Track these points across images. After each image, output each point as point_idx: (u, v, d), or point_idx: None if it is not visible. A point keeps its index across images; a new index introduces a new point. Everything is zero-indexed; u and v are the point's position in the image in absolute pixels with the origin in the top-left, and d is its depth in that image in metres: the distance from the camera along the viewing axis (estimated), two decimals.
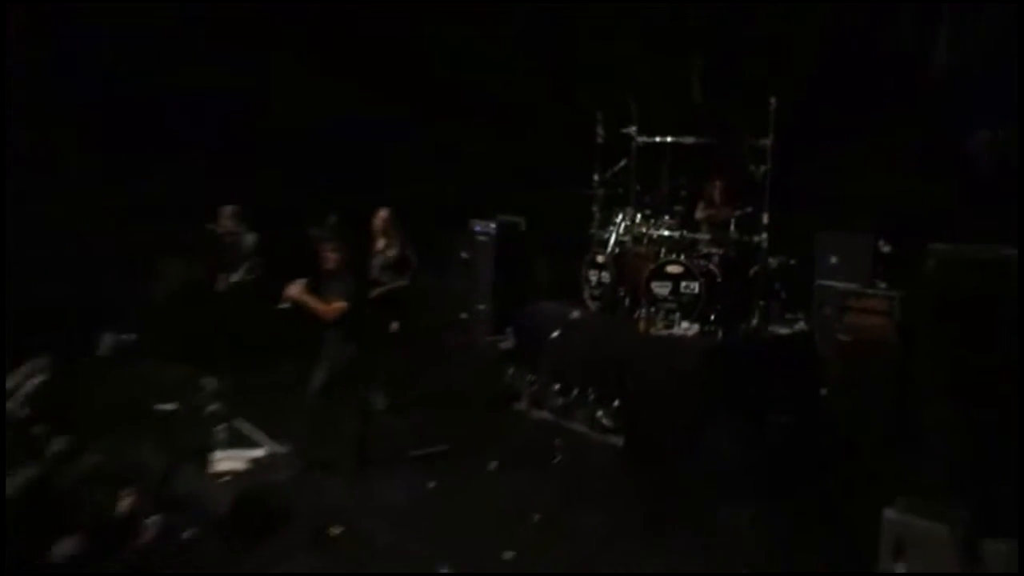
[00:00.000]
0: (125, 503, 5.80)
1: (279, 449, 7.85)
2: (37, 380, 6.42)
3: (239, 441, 7.94)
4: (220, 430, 7.89)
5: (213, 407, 8.54)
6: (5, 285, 7.46)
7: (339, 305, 7.15)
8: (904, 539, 5.09)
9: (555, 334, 8.76)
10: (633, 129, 8.94)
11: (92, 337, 9.68)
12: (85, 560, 5.36)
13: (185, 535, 6.32)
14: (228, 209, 9.50)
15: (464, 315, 10.48)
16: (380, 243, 7.79)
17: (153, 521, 5.83)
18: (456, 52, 10.72)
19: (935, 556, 5.07)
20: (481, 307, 10.23)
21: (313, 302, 7.14)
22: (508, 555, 6.04)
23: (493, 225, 10.22)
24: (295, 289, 7.12)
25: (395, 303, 8.00)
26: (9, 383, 6.41)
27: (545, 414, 8.75)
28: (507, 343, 9.52)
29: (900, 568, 5.01)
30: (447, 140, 10.32)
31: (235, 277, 9.44)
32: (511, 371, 9.15)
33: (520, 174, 10.11)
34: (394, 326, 7.71)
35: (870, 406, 7.32)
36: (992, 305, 5.38)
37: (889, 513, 5.14)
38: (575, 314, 8.98)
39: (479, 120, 10.40)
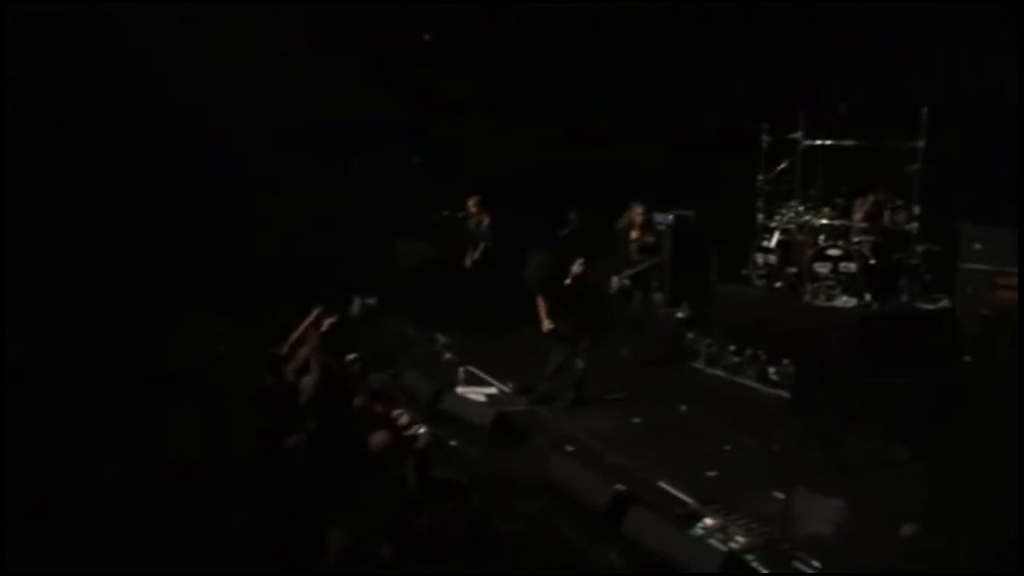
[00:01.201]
0: (403, 417, 6.43)
1: (505, 388, 8.54)
2: (330, 320, 7.02)
3: (474, 381, 8.70)
4: (460, 371, 8.65)
5: (447, 356, 9.39)
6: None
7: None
8: None
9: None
10: (799, 134, 9.22)
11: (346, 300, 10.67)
12: (390, 453, 6.04)
13: (451, 443, 7.13)
14: (473, 199, 10.35)
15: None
16: (634, 233, 8.34)
17: (424, 431, 6.39)
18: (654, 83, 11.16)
19: None
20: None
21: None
22: (712, 473, 6.50)
23: (671, 217, 10.64)
24: (578, 266, 7.82)
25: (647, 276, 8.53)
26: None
27: (718, 371, 9.18)
28: (683, 313, 9.95)
29: None
30: (639, 150, 10.80)
31: (475, 255, 10.22)
32: (690, 335, 9.58)
33: (697, 175, 10.48)
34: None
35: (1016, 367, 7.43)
36: None
37: None
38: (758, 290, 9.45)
39: (663, 133, 10.84)
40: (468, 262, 10.38)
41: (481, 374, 8.91)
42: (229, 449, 5.72)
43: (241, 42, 10.30)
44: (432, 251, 10.71)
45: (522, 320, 8.66)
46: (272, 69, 10.58)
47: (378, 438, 5.95)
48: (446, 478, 6.19)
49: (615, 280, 9.12)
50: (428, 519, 5.57)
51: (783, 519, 5.65)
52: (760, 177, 9.77)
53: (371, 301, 10.92)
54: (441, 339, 9.83)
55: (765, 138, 9.61)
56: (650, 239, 8.25)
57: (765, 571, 5.03)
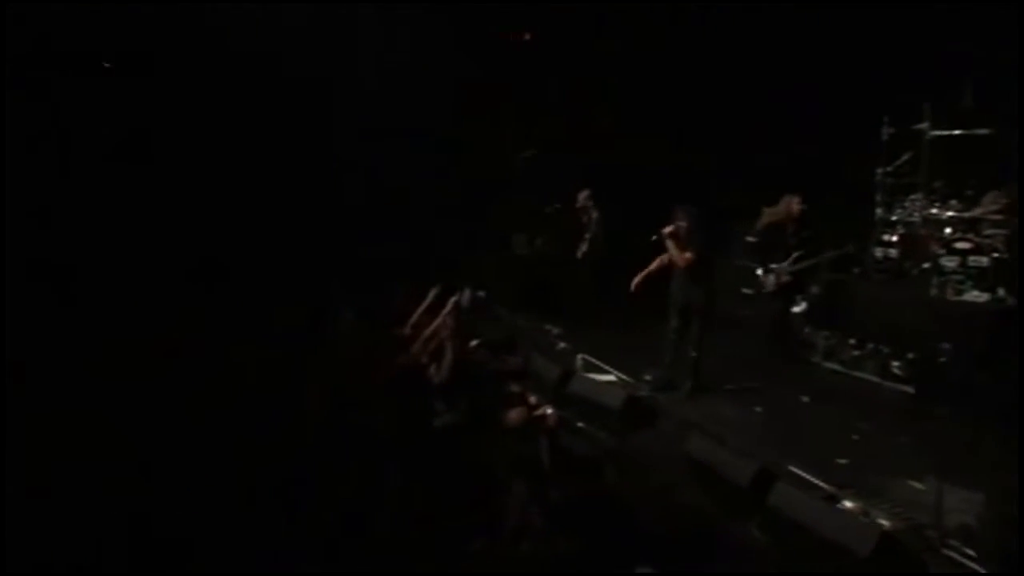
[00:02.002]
0: (531, 398, 6.55)
1: (622, 375, 8.53)
2: (452, 300, 7.17)
3: (592, 368, 8.69)
4: (578, 359, 8.68)
5: (562, 345, 9.44)
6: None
7: (688, 255, 7.71)
8: None
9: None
10: (925, 124, 8.97)
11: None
12: (526, 430, 6.08)
13: (579, 424, 7.18)
14: (584, 192, 10.42)
15: (748, 290, 10.60)
16: (791, 227, 8.26)
17: (552, 412, 6.40)
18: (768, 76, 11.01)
19: None
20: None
21: (672, 245, 7.76)
22: (842, 461, 6.37)
23: None
24: (667, 230, 7.72)
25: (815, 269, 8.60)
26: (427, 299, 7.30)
27: (836, 365, 8.92)
28: (799, 308, 9.74)
29: None
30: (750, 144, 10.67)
31: (584, 248, 10.26)
32: (807, 329, 9.39)
33: (812, 169, 10.26)
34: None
35: None
36: None
37: None
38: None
39: (779, 124, 10.69)
40: (579, 254, 10.42)
41: (598, 362, 8.92)
42: (374, 429, 5.91)
43: (368, 34, 10.59)
44: (543, 243, 10.77)
45: (632, 311, 8.64)
46: (392, 62, 10.83)
47: (515, 414, 6.13)
48: (580, 455, 6.26)
49: (771, 279, 8.92)
50: (566, 494, 5.65)
51: (929, 507, 5.46)
52: (880, 170, 9.54)
53: (481, 294, 11.02)
54: (553, 329, 9.88)
55: (886, 130, 9.38)
56: (808, 233, 8.08)
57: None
